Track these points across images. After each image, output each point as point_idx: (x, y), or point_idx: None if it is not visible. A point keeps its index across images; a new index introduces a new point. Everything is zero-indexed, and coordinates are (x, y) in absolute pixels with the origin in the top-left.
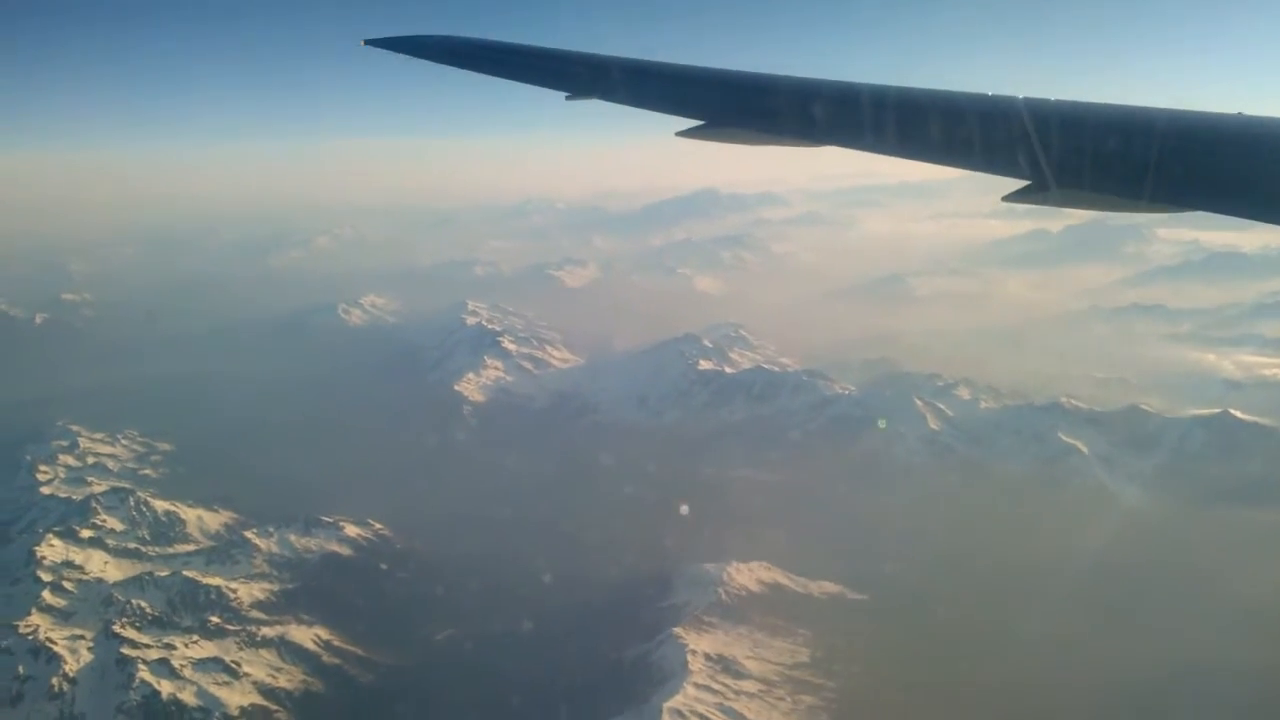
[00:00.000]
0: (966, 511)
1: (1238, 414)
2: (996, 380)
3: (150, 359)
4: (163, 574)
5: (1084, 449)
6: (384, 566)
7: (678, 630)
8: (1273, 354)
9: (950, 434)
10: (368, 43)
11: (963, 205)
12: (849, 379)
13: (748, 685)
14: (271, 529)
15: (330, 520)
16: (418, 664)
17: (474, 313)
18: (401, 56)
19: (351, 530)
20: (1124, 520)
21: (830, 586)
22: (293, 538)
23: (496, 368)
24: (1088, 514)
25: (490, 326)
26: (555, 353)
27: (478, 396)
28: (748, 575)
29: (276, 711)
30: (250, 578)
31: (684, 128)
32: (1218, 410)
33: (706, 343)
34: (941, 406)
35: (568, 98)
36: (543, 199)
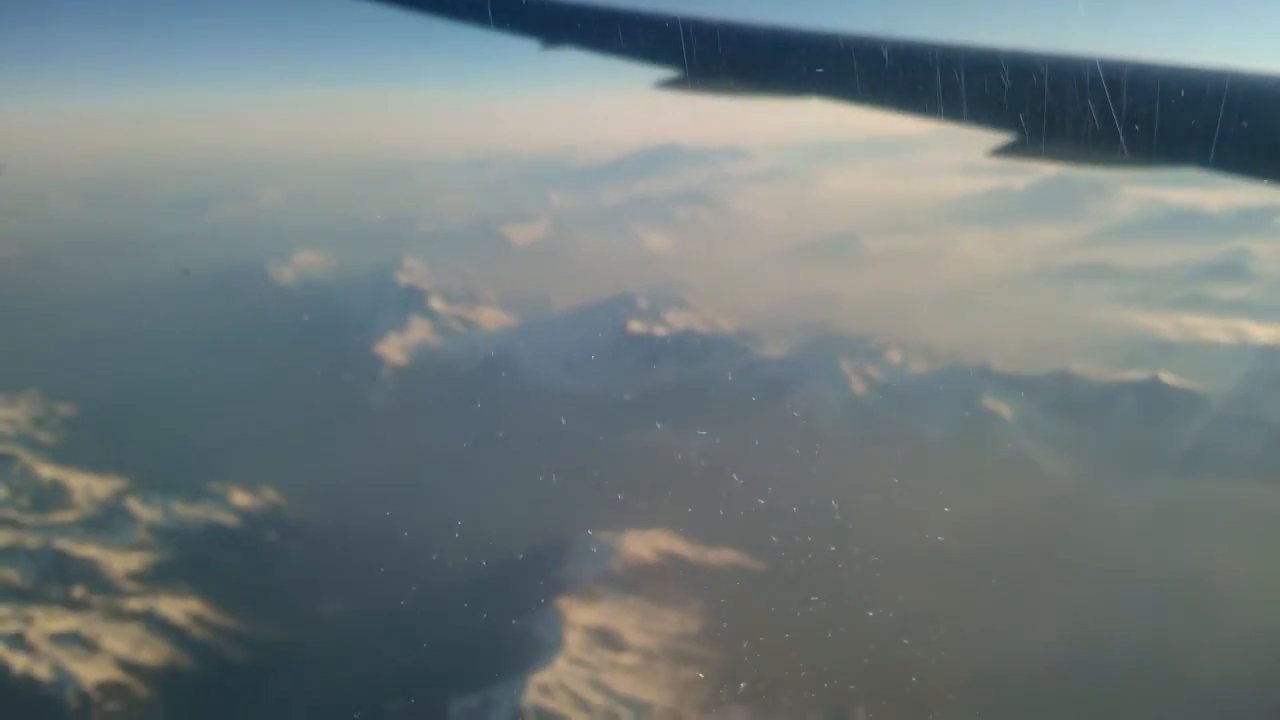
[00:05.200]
0: (881, 479)
1: (1166, 379)
2: (932, 342)
3: (66, 318)
4: (33, 544)
5: (1007, 414)
6: (273, 537)
7: (561, 602)
8: (1215, 316)
9: (874, 398)
10: None
11: (930, 162)
12: (783, 341)
13: (626, 658)
14: (156, 497)
15: (219, 488)
16: (294, 639)
17: (409, 270)
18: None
19: (241, 499)
20: (1038, 488)
21: (730, 555)
22: (177, 506)
23: (423, 328)
24: (1003, 481)
25: (422, 286)
26: (488, 313)
27: (399, 359)
28: (644, 544)
29: (135, 686)
30: (128, 547)
31: (663, 79)
32: (1146, 375)
33: (641, 303)
34: (870, 369)
35: (542, 46)
36: (504, 153)
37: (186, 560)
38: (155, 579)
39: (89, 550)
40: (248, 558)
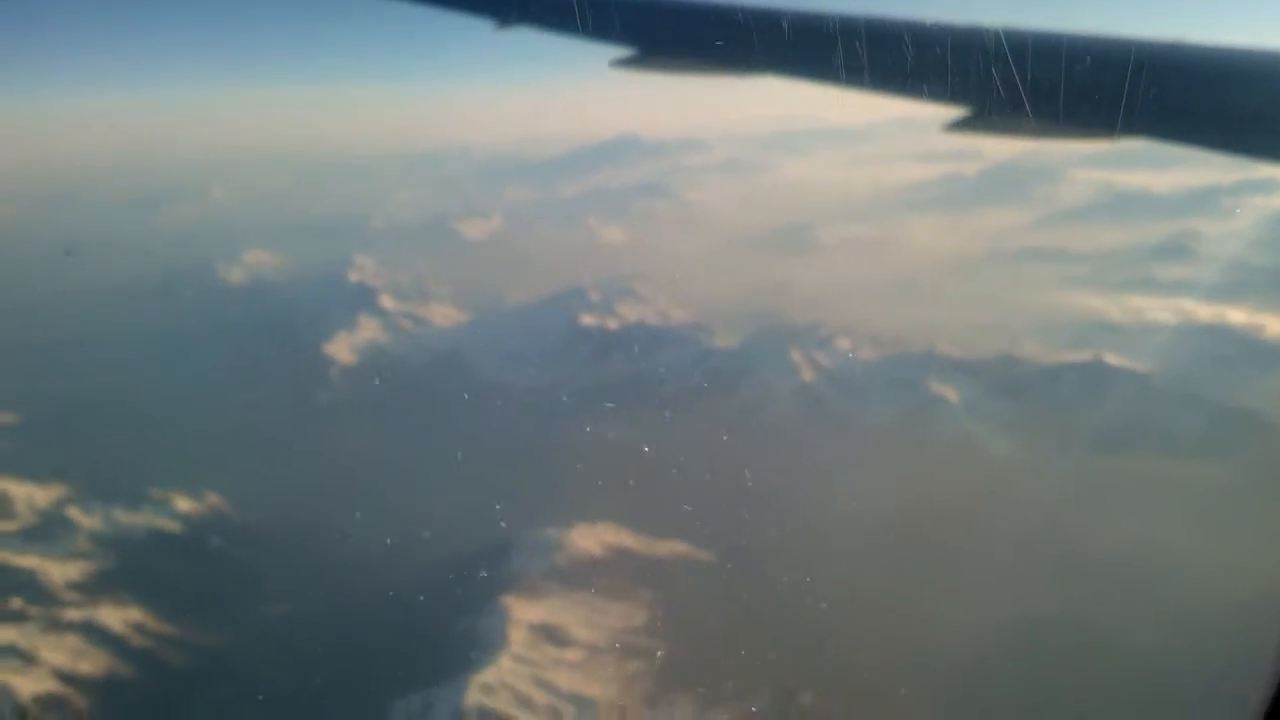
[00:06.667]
0: (829, 465)
1: (1110, 359)
2: (882, 329)
3: (6, 324)
4: None
5: (953, 398)
6: (216, 542)
7: (506, 599)
8: (1161, 296)
9: (823, 385)
10: None
11: (884, 150)
12: (735, 332)
13: (571, 654)
14: (97, 504)
15: (161, 495)
16: (236, 645)
17: (360, 268)
18: None
19: (184, 504)
20: (984, 470)
21: (679, 547)
22: (119, 513)
23: (372, 326)
24: (949, 464)
25: (373, 283)
26: (440, 310)
27: (348, 358)
28: (591, 538)
29: (73, 698)
30: (68, 556)
31: (618, 58)
32: (1091, 356)
33: (593, 296)
34: (819, 357)
35: (496, 27)
36: (458, 147)
37: (128, 568)
38: (95, 588)
39: (28, 560)
40: (190, 564)
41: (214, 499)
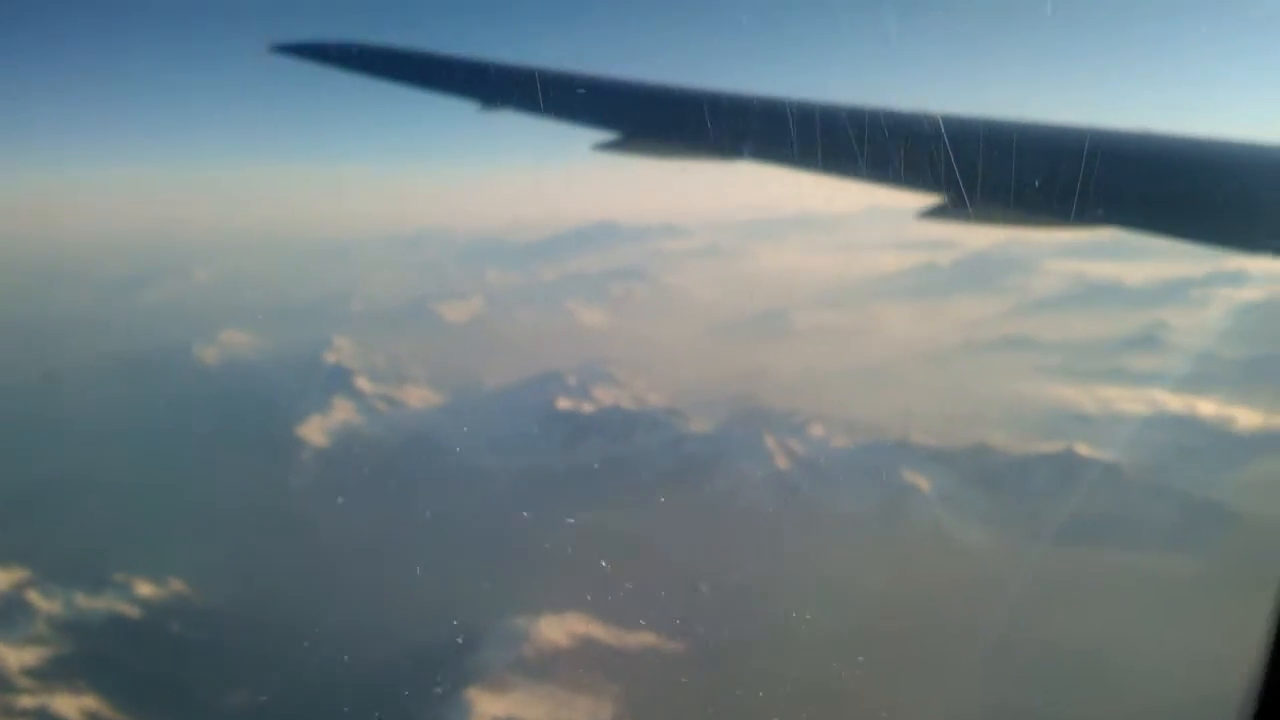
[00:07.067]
0: (802, 554)
1: (1082, 450)
2: (856, 416)
3: None
4: None
5: (925, 487)
6: (176, 629)
7: (471, 692)
8: (1132, 387)
9: (798, 473)
10: (274, 49)
11: (860, 238)
12: (710, 417)
13: None
14: (57, 589)
15: (122, 579)
16: None
17: (337, 349)
18: (304, 72)
19: (145, 589)
20: (955, 561)
21: (648, 638)
22: (79, 598)
23: (346, 409)
24: (919, 555)
25: (349, 365)
26: (416, 392)
27: (320, 440)
28: (559, 628)
29: None
30: (25, 641)
31: (601, 141)
32: (1062, 447)
33: (570, 380)
34: (793, 444)
35: (480, 109)
36: (441, 229)
37: (85, 654)
38: (51, 674)
39: None
40: (149, 651)
41: (177, 585)
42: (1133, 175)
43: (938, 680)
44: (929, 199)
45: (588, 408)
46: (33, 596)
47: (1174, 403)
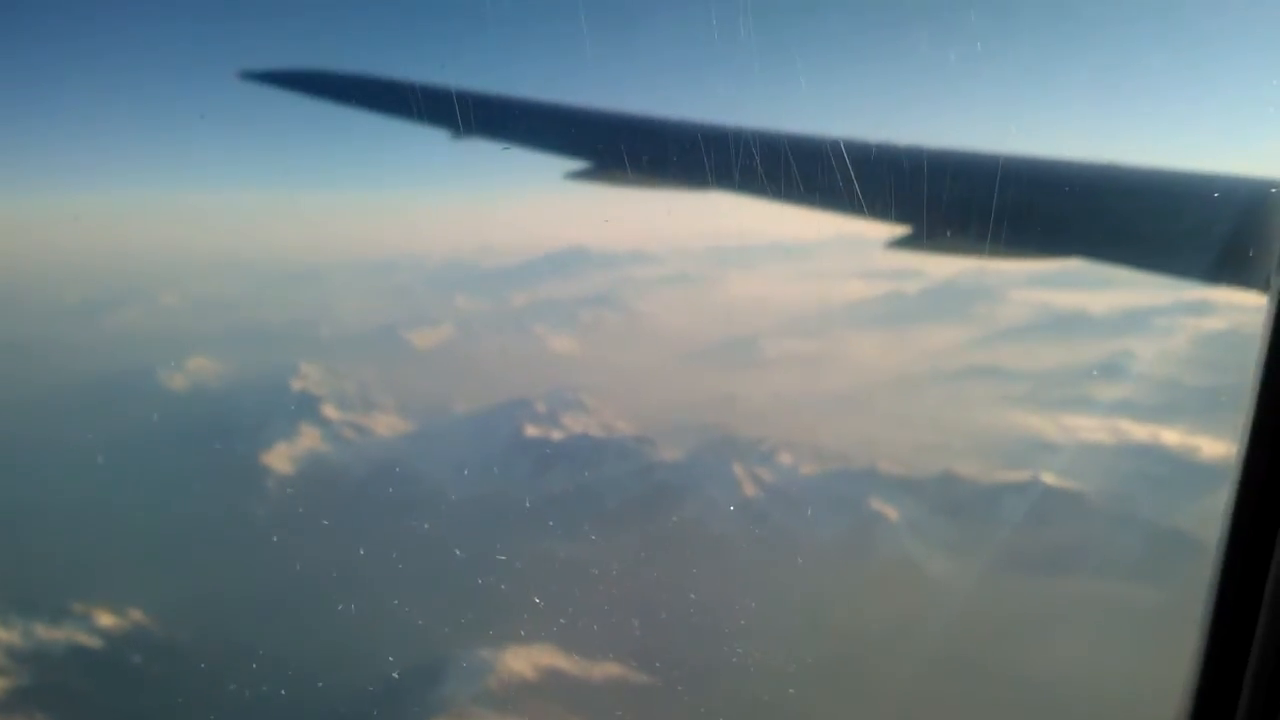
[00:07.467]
0: (770, 583)
1: (1047, 479)
2: (824, 444)
3: None
4: None
5: (893, 516)
6: (136, 659)
7: None
8: (1098, 415)
9: (765, 501)
10: (244, 76)
11: (828, 265)
12: (680, 444)
13: None
14: (15, 618)
15: (82, 609)
16: None
17: (304, 376)
18: (275, 99)
19: (106, 619)
20: (920, 589)
21: (613, 669)
22: (38, 629)
23: (313, 436)
24: (884, 583)
25: (316, 392)
26: (384, 419)
27: (285, 468)
28: (524, 660)
29: None
30: None
31: (572, 170)
32: (1029, 476)
33: (539, 407)
34: (761, 473)
35: (451, 137)
36: (412, 255)
37: (44, 686)
38: (10, 706)
39: None
40: (111, 682)
41: (137, 614)
42: (1097, 206)
43: (904, 709)
44: (896, 229)
45: (557, 435)
46: None
47: (1139, 431)
